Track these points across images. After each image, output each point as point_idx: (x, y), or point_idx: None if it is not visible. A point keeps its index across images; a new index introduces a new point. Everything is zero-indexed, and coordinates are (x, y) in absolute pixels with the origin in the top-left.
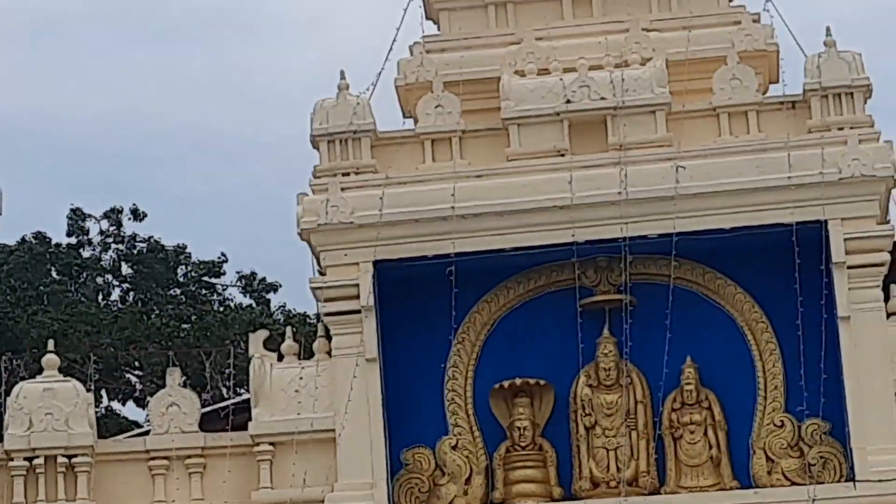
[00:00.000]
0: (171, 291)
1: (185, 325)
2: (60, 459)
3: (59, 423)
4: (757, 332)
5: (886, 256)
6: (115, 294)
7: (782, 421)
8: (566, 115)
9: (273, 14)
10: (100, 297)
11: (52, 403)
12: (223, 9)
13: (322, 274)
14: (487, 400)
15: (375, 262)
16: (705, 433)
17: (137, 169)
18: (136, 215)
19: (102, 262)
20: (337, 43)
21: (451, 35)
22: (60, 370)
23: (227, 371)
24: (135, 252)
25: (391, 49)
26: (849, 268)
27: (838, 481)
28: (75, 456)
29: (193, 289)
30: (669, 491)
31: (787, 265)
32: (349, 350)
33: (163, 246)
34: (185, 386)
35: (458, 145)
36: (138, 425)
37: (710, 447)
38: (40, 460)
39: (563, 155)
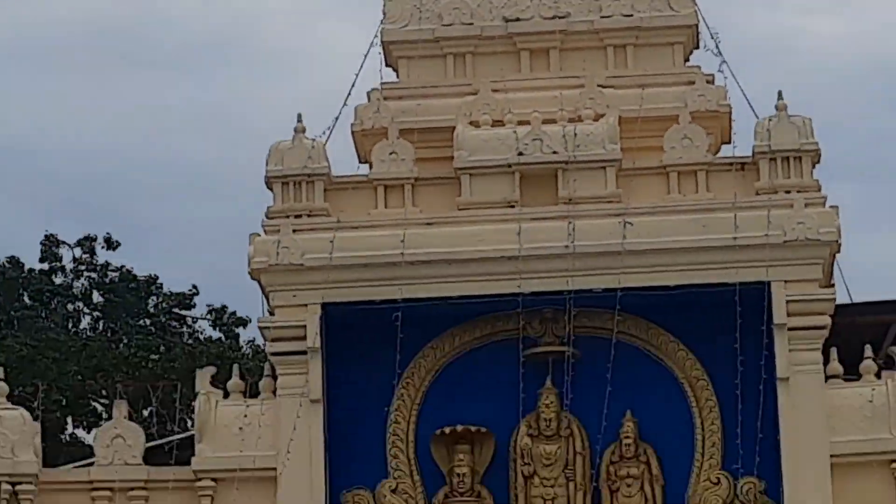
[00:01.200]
0: (141, 321)
1: (153, 356)
2: (4, 486)
3: (4, 450)
4: (697, 388)
5: (827, 320)
6: (85, 322)
7: (718, 478)
8: (518, 167)
9: (258, 48)
10: (70, 324)
11: None
12: (205, 42)
13: (271, 314)
14: (429, 445)
15: (323, 305)
16: (642, 487)
17: (113, 197)
18: (110, 244)
19: (74, 290)
20: (306, 82)
21: (409, 83)
22: (25, 396)
23: (189, 403)
24: (106, 281)
25: (349, 94)
26: (790, 329)
27: None
28: (20, 483)
29: (163, 320)
30: None
31: (730, 324)
32: (294, 390)
33: (135, 276)
34: (149, 419)
35: (410, 192)
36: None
37: (647, 501)
38: None
39: (513, 206)
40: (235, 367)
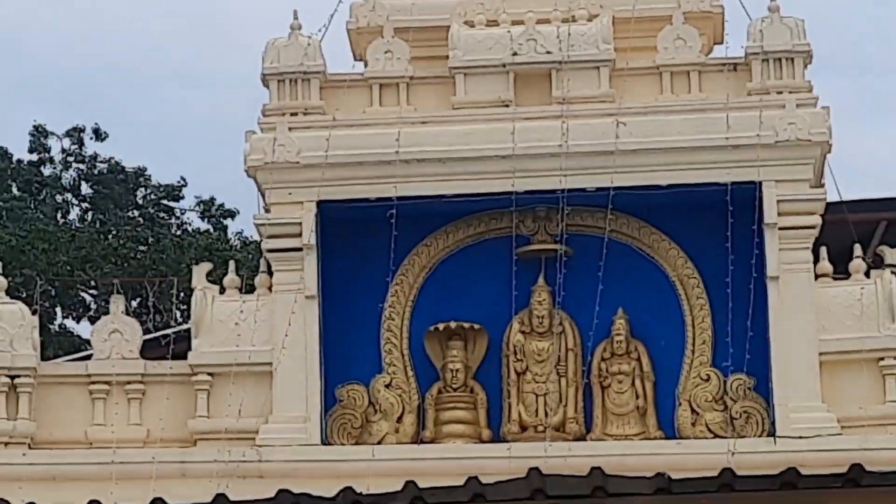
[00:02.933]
0: (130, 213)
1: (141, 248)
2: (3, 379)
3: (3, 343)
4: (688, 287)
5: (818, 219)
6: (74, 213)
7: (708, 375)
8: (512, 66)
9: None
10: (59, 215)
11: None
12: None
13: (267, 211)
14: (422, 341)
15: (319, 202)
16: (633, 383)
17: (102, 88)
18: (99, 135)
19: (63, 181)
20: None
21: None
22: (15, 286)
23: (181, 296)
24: (95, 172)
25: None
26: (780, 229)
27: (759, 436)
28: (18, 376)
29: (152, 211)
30: (595, 438)
31: (721, 224)
32: (289, 287)
33: (123, 167)
34: (139, 310)
35: (405, 91)
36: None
37: (637, 397)
38: None
39: (507, 106)
40: (232, 263)
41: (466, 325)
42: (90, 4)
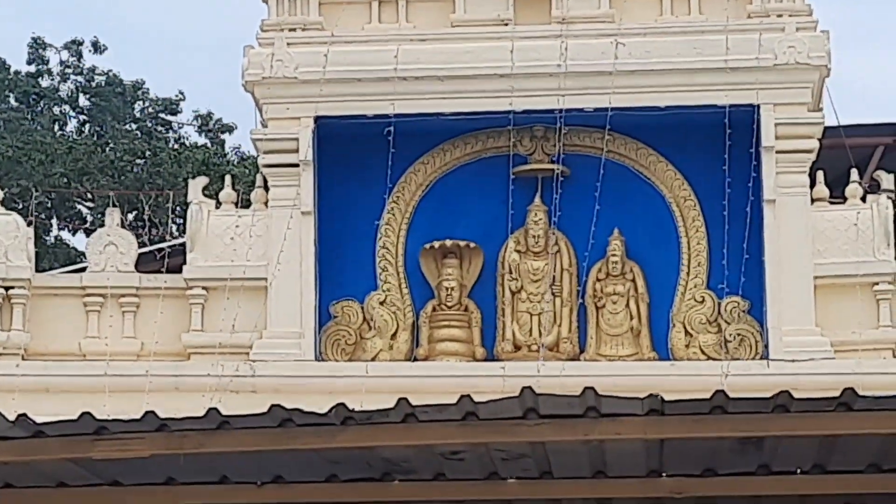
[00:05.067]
0: (127, 126)
1: (138, 161)
2: None
3: None
4: (685, 209)
5: (815, 143)
6: (72, 125)
7: (703, 297)
8: None
9: None
10: (56, 127)
11: None
12: None
13: (264, 126)
14: (418, 259)
15: (316, 118)
16: (627, 304)
17: (101, 1)
18: (97, 48)
19: (60, 93)
20: None
21: None
22: (11, 197)
23: (177, 210)
24: (93, 84)
25: None
26: (777, 152)
27: (753, 359)
28: (12, 288)
29: (149, 125)
30: (589, 358)
31: (719, 146)
32: (285, 202)
33: (121, 80)
34: (134, 223)
35: (404, 8)
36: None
37: (631, 318)
38: None
39: (506, 24)
40: (228, 177)
41: (462, 243)
42: None
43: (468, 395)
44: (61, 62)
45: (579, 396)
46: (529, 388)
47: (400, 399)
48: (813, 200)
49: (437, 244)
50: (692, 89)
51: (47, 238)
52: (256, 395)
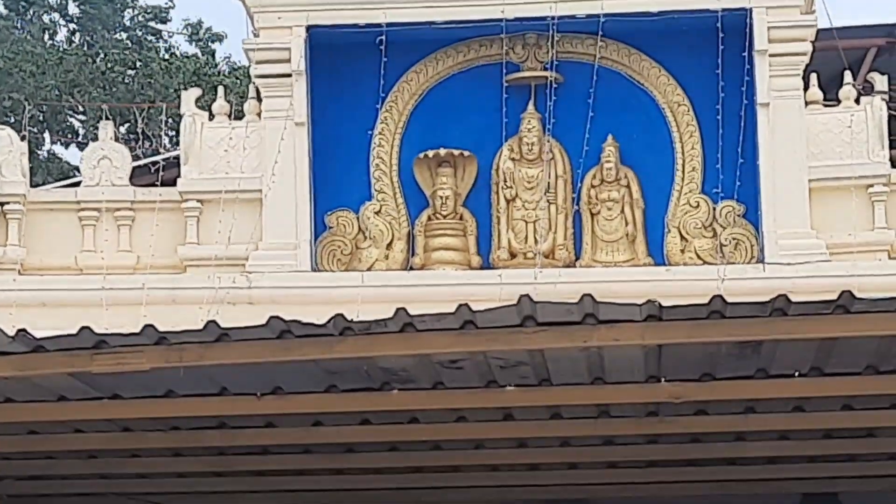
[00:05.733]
0: (117, 36)
1: (129, 72)
2: None
3: None
4: (678, 114)
5: (808, 46)
6: (62, 34)
7: (698, 202)
8: None
9: None
10: (46, 36)
11: None
12: None
13: (256, 36)
14: (412, 168)
15: (308, 27)
16: (622, 210)
17: None
18: None
19: (50, 0)
20: None
21: None
22: (4, 109)
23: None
24: None
25: None
26: (770, 55)
27: (748, 263)
28: (7, 203)
29: (139, 34)
30: (584, 264)
31: (712, 50)
32: (278, 113)
33: None
34: (127, 136)
35: None
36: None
37: (627, 224)
38: None
39: None
40: (221, 89)
41: (456, 152)
42: None
43: (466, 304)
44: None
45: (577, 303)
46: (527, 296)
47: (398, 309)
48: (807, 103)
49: (430, 153)
50: None
51: (40, 152)
52: (253, 306)
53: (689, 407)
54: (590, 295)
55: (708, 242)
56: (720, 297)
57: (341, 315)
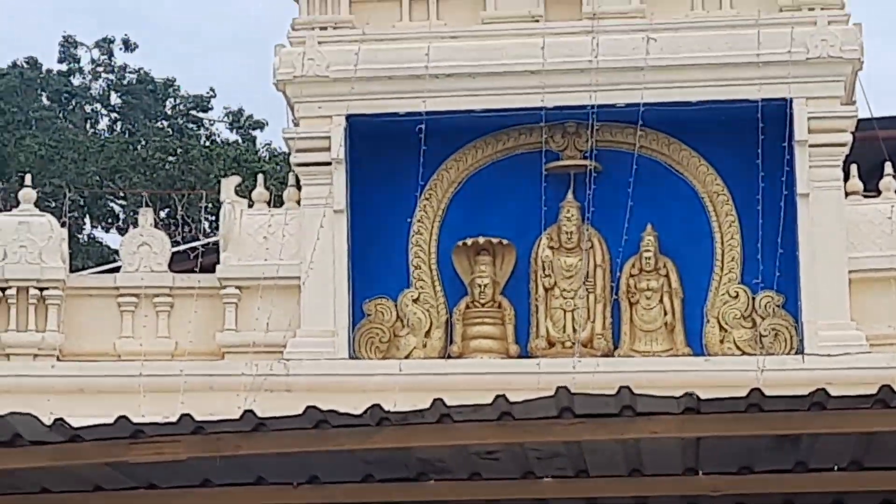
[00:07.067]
0: (159, 124)
1: (170, 158)
2: (32, 291)
3: (32, 255)
4: (717, 204)
5: (848, 137)
6: (103, 123)
7: (737, 292)
8: None
9: None
10: (88, 125)
11: (27, 237)
12: None
13: (296, 125)
14: (451, 256)
15: (348, 116)
16: (661, 300)
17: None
18: (128, 46)
19: (92, 91)
20: None
21: None
22: (44, 196)
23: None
24: (124, 82)
25: None
26: (811, 146)
27: (788, 353)
28: (47, 289)
29: (180, 122)
30: (623, 354)
31: (751, 140)
32: (318, 200)
33: (152, 78)
34: (167, 221)
35: (434, 5)
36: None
37: (665, 314)
38: (13, 291)
39: (537, 21)
40: (260, 176)
41: (495, 240)
42: None
43: (503, 395)
44: (93, 60)
45: (614, 395)
46: (564, 387)
47: (435, 400)
48: (847, 194)
49: (469, 241)
50: (724, 84)
51: (80, 236)
52: (291, 393)
53: (728, 500)
54: (627, 387)
55: (747, 333)
56: (759, 390)
57: (378, 405)
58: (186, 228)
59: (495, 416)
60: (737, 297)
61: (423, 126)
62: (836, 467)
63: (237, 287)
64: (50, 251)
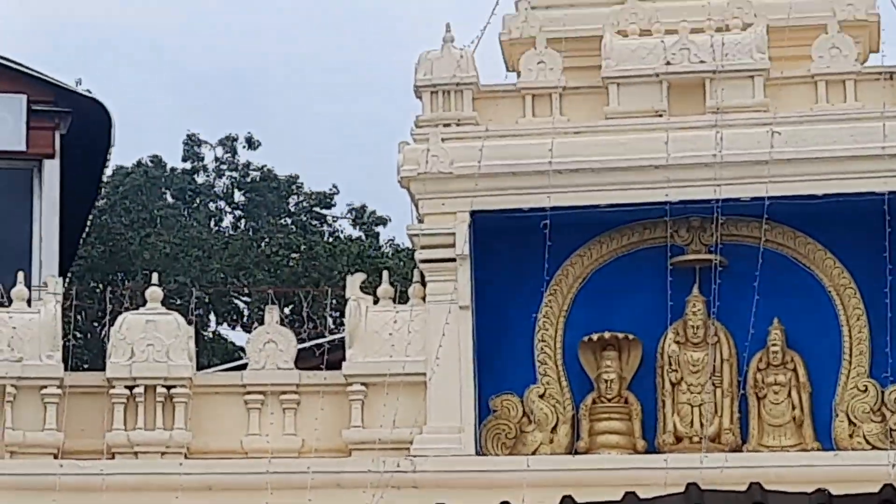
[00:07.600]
0: (282, 221)
1: (294, 255)
2: (160, 389)
3: (159, 354)
4: (845, 297)
5: None
6: (227, 220)
7: (866, 386)
8: (665, 76)
9: None
10: (212, 222)
11: (154, 335)
12: None
13: (420, 221)
14: (576, 351)
15: (472, 213)
16: (789, 394)
17: (254, 97)
18: (251, 143)
19: (216, 189)
20: None
21: None
22: (169, 293)
23: (334, 304)
24: (248, 180)
25: (497, 3)
26: None
27: None
28: (174, 387)
29: (304, 219)
30: (751, 449)
31: (878, 233)
32: (443, 297)
33: (275, 175)
34: (291, 317)
35: (557, 101)
36: (244, 351)
37: (794, 408)
38: (140, 389)
39: (660, 115)
40: (385, 273)
41: (620, 335)
42: (242, 12)
43: (633, 492)
44: (216, 158)
45: (745, 492)
46: (695, 484)
47: (564, 497)
48: None
49: (595, 336)
50: (849, 177)
51: (205, 333)
52: (418, 490)
53: None
54: (758, 483)
55: (877, 427)
56: (891, 486)
57: (507, 502)
58: (311, 325)
59: None
60: (866, 390)
61: (547, 221)
62: None
63: (363, 384)
64: (177, 349)
